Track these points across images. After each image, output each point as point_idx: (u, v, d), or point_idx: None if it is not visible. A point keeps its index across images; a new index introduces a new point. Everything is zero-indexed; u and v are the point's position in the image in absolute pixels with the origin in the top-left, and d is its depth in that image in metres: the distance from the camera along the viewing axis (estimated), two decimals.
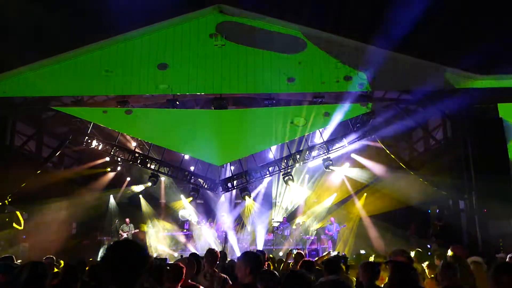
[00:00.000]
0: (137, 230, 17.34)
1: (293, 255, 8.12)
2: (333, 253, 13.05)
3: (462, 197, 13.35)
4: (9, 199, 13.31)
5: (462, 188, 13.15)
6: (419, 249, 7.65)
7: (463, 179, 13.07)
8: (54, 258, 7.31)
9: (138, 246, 2.44)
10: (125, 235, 16.81)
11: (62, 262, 7.96)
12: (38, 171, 14.27)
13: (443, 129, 15.02)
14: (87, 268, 7.20)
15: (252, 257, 4.20)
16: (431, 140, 15.90)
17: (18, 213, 13.51)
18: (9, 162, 13.44)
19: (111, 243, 2.57)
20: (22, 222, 13.56)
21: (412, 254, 7.64)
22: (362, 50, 12.84)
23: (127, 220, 17.35)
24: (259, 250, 8.50)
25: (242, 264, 4.11)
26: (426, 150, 16.32)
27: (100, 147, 15.39)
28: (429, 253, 12.24)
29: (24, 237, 13.73)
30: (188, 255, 8.10)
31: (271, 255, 13.17)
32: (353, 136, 15.38)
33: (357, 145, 15.98)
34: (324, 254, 12.39)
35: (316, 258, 8.76)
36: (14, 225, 13.27)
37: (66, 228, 16.25)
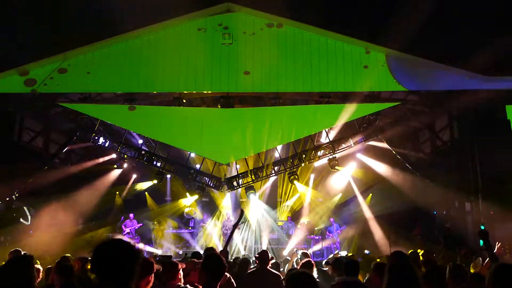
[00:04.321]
0: (141, 225, 17.31)
1: (298, 255, 8.14)
2: (342, 253, 13.06)
3: (468, 198, 13.29)
4: (17, 195, 13.42)
5: (468, 190, 13.09)
6: (428, 250, 7.62)
7: (470, 180, 13.01)
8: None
9: (126, 244, 2.35)
10: (127, 230, 16.83)
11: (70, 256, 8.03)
12: (46, 167, 14.37)
13: (450, 130, 14.96)
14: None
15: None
16: (437, 141, 15.84)
17: (25, 208, 13.61)
18: (17, 158, 13.55)
19: (99, 243, 2.43)
20: (29, 217, 13.67)
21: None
22: (370, 49, 12.81)
23: (131, 215, 17.33)
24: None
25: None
26: (432, 151, 16.27)
27: (106, 144, 15.47)
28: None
29: (31, 232, 13.83)
30: (191, 253, 8.14)
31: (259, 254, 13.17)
32: (359, 136, 15.35)
33: (363, 145, 15.96)
34: (334, 253, 12.42)
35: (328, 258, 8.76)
36: (21, 220, 13.38)
37: (72, 224, 16.35)
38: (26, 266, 3.29)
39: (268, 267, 6.17)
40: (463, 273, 4.55)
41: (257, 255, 6.59)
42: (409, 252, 7.25)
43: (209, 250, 7.04)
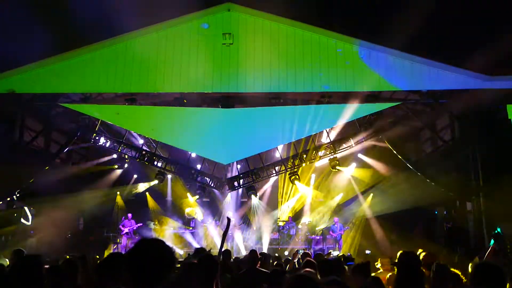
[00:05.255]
0: (140, 225, 17.27)
1: (299, 255, 8.14)
2: (334, 253, 13.06)
3: (469, 198, 13.27)
4: (18, 195, 13.42)
5: (470, 189, 13.07)
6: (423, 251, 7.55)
7: (471, 180, 12.99)
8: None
9: (165, 246, 2.32)
10: (126, 230, 16.80)
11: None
12: (46, 167, 14.37)
13: (451, 129, 14.93)
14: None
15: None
16: (438, 140, 15.80)
17: (26, 208, 13.62)
18: (17, 158, 13.54)
19: (138, 242, 2.38)
20: (30, 217, 13.67)
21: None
22: (371, 49, 12.79)
23: (129, 215, 17.30)
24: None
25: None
26: (433, 150, 16.23)
27: (107, 144, 15.48)
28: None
29: (32, 233, 13.85)
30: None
31: (276, 254, 13.24)
32: (360, 136, 15.34)
33: (364, 145, 15.94)
34: (326, 253, 12.40)
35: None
36: (22, 220, 13.39)
37: (73, 224, 16.38)
38: (36, 266, 3.29)
39: (257, 267, 6.24)
40: (446, 272, 4.54)
41: (247, 255, 6.65)
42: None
43: (202, 251, 7.03)
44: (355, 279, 4.77)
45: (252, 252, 6.48)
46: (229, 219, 5.68)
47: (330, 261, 5.57)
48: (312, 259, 6.50)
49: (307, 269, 5.66)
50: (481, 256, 6.79)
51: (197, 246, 16.64)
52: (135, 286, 2.19)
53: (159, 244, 2.33)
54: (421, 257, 7.34)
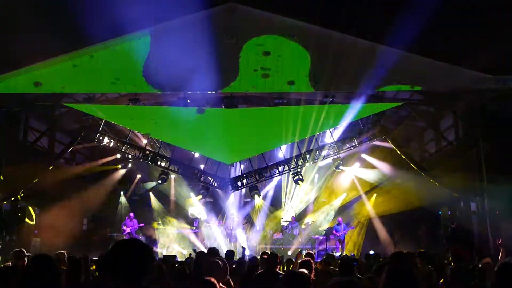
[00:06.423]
0: (142, 225, 17.26)
1: (303, 255, 8.13)
2: (336, 254, 13.04)
3: (473, 198, 13.22)
4: (22, 195, 13.47)
5: (474, 190, 13.01)
6: (422, 250, 7.53)
7: (475, 180, 12.93)
8: (65, 253, 7.37)
9: (141, 245, 2.40)
10: (128, 230, 16.79)
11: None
12: (50, 167, 14.43)
13: (455, 129, 14.88)
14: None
15: None
16: (442, 141, 15.75)
17: (30, 208, 13.67)
18: (22, 158, 13.61)
19: (115, 242, 2.56)
20: (34, 217, 13.72)
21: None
22: (374, 50, 12.74)
23: (131, 214, 17.21)
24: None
25: None
26: (437, 151, 16.18)
27: (111, 144, 15.52)
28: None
29: (36, 232, 13.90)
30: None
31: (279, 254, 13.22)
32: (363, 136, 15.31)
33: (367, 145, 15.91)
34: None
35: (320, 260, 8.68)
36: (27, 220, 13.43)
37: (77, 224, 16.42)
38: (51, 265, 3.30)
39: (276, 270, 6.19)
40: (465, 273, 4.54)
41: (266, 257, 6.60)
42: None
43: (214, 252, 6.95)
44: (379, 279, 4.73)
45: (272, 254, 6.48)
46: (244, 248, 5.62)
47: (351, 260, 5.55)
48: (310, 259, 6.48)
49: (302, 270, 5.65)
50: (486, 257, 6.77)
51: (200, 246, 16.67)
52: (118, 284, 2.29)
53: (134, 243, 2.44)
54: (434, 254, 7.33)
